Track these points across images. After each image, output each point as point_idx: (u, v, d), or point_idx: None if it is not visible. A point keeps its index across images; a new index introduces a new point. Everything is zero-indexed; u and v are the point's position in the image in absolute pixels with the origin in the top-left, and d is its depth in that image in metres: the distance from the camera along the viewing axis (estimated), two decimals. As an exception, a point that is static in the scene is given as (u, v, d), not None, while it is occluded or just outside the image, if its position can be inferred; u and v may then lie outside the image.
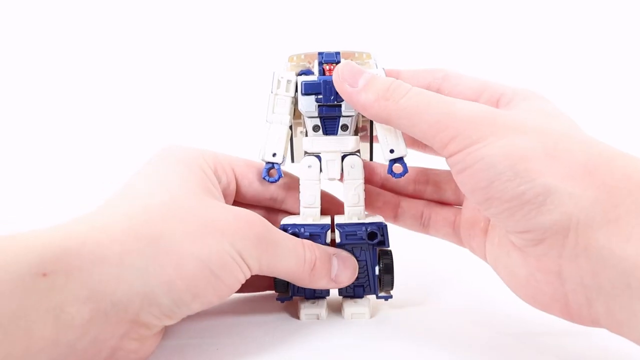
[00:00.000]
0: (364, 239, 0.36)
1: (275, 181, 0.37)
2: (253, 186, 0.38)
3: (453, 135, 0.28)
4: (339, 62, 0.36)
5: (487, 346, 0.31)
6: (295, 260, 0.33)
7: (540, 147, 0.27)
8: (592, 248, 0.25)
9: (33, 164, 0.73)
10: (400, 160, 0.36)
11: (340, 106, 0.35)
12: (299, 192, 0.36)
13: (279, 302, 0.37)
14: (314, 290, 0.36)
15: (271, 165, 0.36)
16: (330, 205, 0.38)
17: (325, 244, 0.36)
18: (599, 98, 0.76)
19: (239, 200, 0.38)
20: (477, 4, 0.79)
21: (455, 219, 0.38)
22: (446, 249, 0.40)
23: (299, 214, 0.37)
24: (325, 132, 0.36)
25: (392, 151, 0.35)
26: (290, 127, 0.37)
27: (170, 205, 0.30)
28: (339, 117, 0.35)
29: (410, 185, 0.40)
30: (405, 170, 0.36)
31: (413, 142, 0.38)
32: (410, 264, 0.42)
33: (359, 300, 0.37)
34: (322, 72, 0.36)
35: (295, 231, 0.35)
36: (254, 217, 0.32)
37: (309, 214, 0.36)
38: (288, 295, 0.37)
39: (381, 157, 0.36)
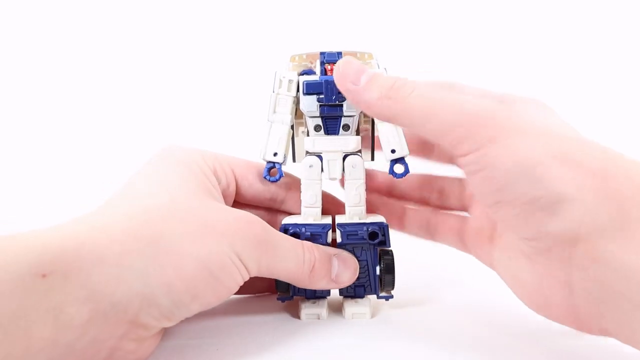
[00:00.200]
0: (365, 239, 0.36)
1: (276, 180, 0.37)
2: (253, 187, 0.38)
3: (464, 135, 0.28)
4: (340, 62, 0.36)
5: (487, 346, 0.31)
6: (295, 261, 0.33)
7: (554, 152, 0.27)
8: (603, 259, 0.25)
9: (33, 164, 0.73)
10: (401, 160, 0.36)
11: (341, 106, 0.35)
12: (300, 192, 0.36)
13: (280, 302, 0.37)
14: (315, 290, 0.36)
15: (272, 165, 0.36)
16: (331, 205, 0.38)
17: (326, 243, 0.36)
18: (599, 98, 0.76)
19: (239, 200, 0.38)
20: (479, 4, 0.79)
21: (461, 226, 0.37)
22: (447, 250, 0.40)
23: (299, 214, 0.37)
24: (327, 132, 0.36)
25: (393, 151, 0.35)
26: (292, 127, 0.37)
27: (170, 206, 0.30)
28: (341, 116, 0.35)
29: (415, 192, 0.40)
30: (407, 170, 0.36)
31: (417, 149, 0.38)
32: (412, 264, 0.41)
33: (359, 300, 0.37)
34: (324, 72, 0.36)
35: (296, 231, 0.35)
36: (253, 219, 0.32)
37: (310, 213, 0.36)
38: (289, 295, 0.36)
39: (382, 157, 0.36)
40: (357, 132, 0.37)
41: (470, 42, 0.77)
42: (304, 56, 0.37)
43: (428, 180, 0.40)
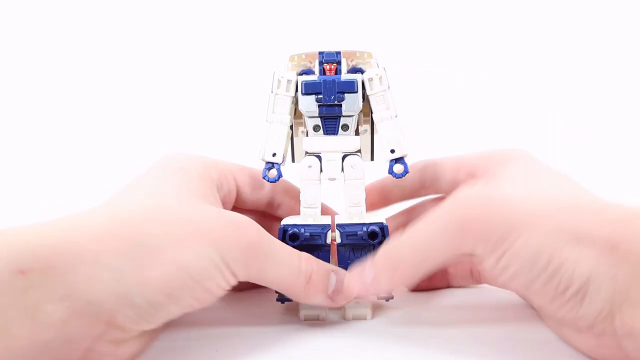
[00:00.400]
0: (365, 239, 0.35)
1: (275, 181, 0.36)
2: (253, 194, 0.38)
3: (473, 243, 0.29)
4: (339, 61, 0.36)
5: (488, 347, 0.31)
6: (289, 270, 0.32)
7: (565, 235, 0.27)
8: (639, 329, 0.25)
9: (33, 168, 0.73)
10: (401, 160, 0.36)
11: (340, 106, 0.35)
12: (299, 193, 0.36)
13: (279, 302, 0.37)
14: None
15: (271, 165, 0.36)
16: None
17: (326, 244, 0.36)
18: (599, 98, 0.76)
19: (238, 207, 0.38)
20: (477, 3, 0.78)
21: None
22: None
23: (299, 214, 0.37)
24: (326, 132, 0.36)
25: (392, 151, 0.35)
26: (291, 127, 0.37)
27: (154, 209, 0.30)
28: (340, 116, 0.35)
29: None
30: (406, 170, 0.36)
31: (379, 202, 0.41)
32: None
33: (360, 300, 0.37)
34: (323, 72, 0.35)
35: (296, 231, 0.35)
36: (247, 223, 0.31)
37: (309, 214, 0.36)
38: (289, 295, 0.36)
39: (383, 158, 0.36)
40: (357, 132, 0.37)
41: (469, 41, 0.77)
42: (303, 56, 0.37)
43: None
